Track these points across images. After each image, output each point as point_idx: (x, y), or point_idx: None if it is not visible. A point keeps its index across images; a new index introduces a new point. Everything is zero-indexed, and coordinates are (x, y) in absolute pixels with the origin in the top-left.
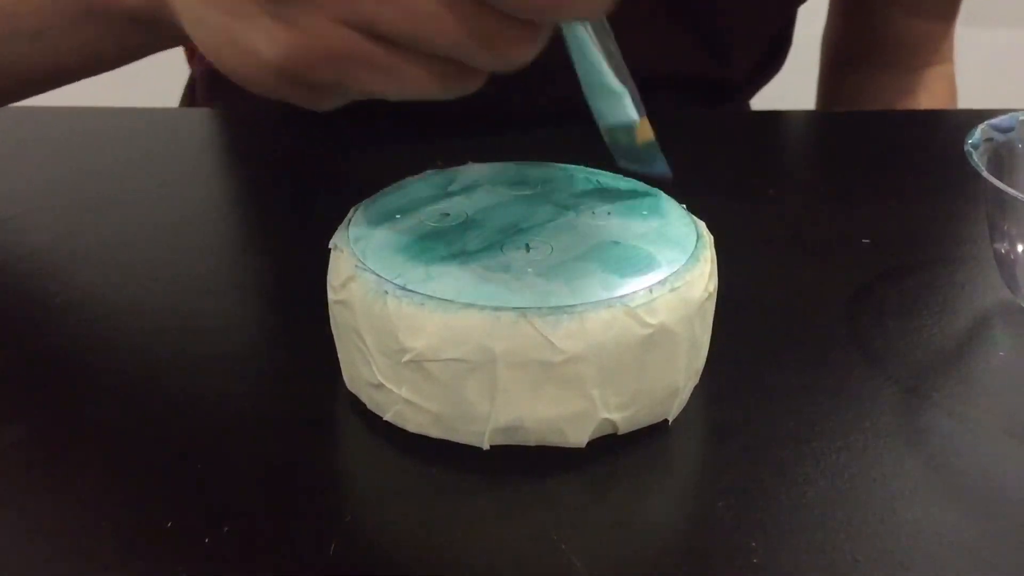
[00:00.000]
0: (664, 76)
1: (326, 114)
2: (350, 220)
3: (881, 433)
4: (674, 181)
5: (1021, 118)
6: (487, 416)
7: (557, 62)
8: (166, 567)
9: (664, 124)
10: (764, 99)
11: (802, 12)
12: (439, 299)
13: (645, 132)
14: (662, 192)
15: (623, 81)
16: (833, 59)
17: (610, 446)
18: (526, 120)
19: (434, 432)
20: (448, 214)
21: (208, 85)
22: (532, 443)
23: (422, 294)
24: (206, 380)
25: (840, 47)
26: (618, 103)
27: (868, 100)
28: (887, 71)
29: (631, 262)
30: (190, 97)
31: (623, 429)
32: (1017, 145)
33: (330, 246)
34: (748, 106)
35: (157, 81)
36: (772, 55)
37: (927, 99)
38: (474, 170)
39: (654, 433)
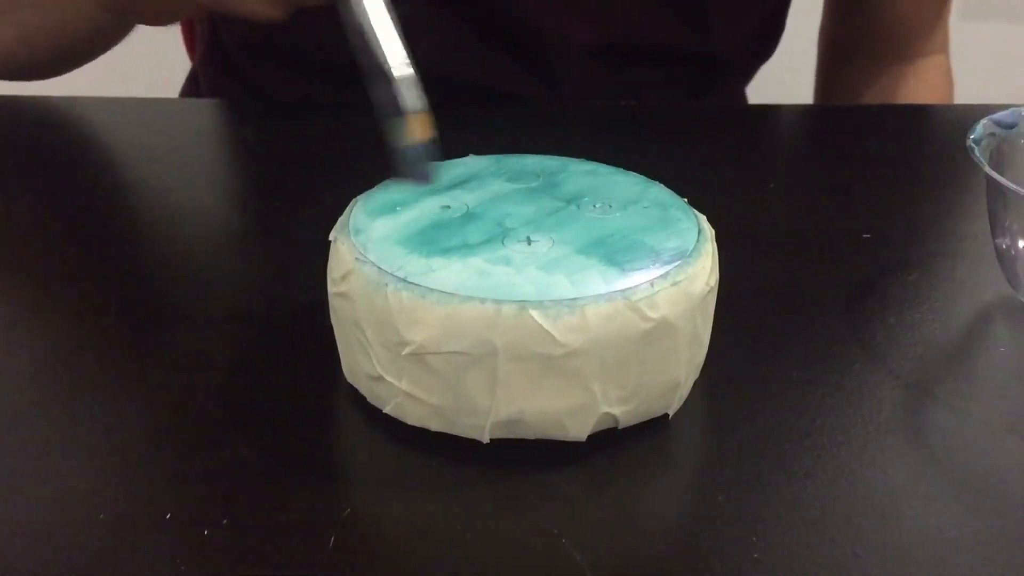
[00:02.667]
0: (645, 48)
1: (325, 105)
2: (350, 212)
3: (882, 428)
4: (676, 174)
5: (1023, 113)
6: (487, 409)
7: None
8: (165, 560)
9: (666, 117)
10: (765, 93)
11: (803, 5)
12: (440, 292)
13: (416, 129)
14: (663, 186)
15: (400, 61)
16: (829, 51)
17: (611, 440)
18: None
19: (434, 425)
20: (449, 207)
21: (211, 78)
22: (532, 436)
23: (423, 287)
24: (205, 372)
25: (835, 39)
26: (390, 87)
27: (864, 91)
28: (882, 62)
29: (632, 256)
30: (189, 88)
31: (624, 423)
32: (1019, 140)
33: (330, 238)
34: (745, 98)
35: (158, 72)
36: (763, 37)
37: (923, 89)
38: (475, 163)
39: (655, 427)
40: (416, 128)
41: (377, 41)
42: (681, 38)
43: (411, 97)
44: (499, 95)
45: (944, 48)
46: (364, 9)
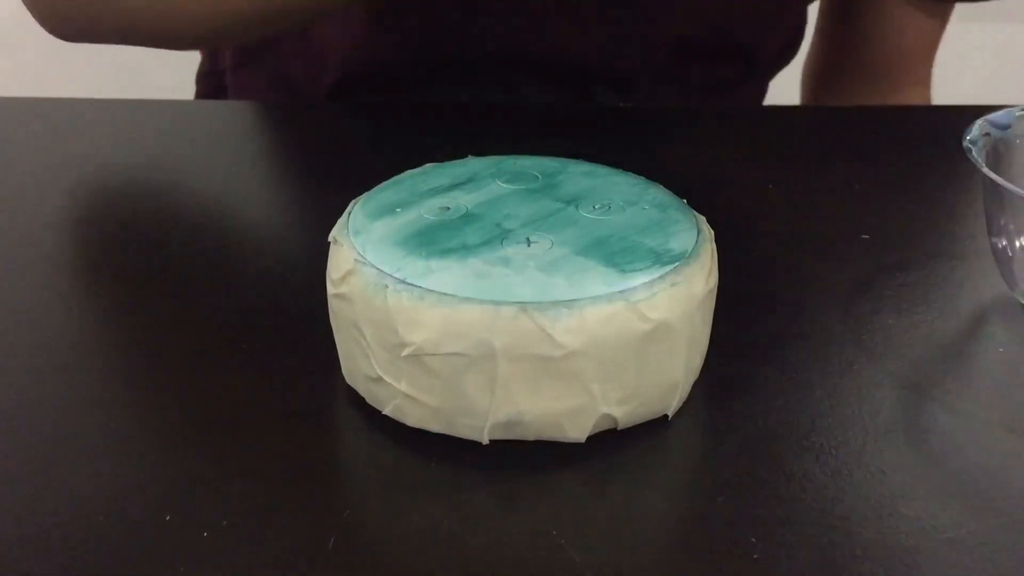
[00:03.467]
0: (702, 43)
1: (325, 105)
2: (350, 213)
3: (880, 429)
4: (675, 175)
5: (1019, 114)
6: (486, 410)
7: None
8: (165, 561)
9: (665, 118)
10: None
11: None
12: (439, 293)
13: None
14: (663, 187)
15: None
16: (814, 77)
17: (609, 441)
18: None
19: (433, 426)
20: (448, 208)
21: (234, 66)
22: (531, 438)
23: (422, 288)
24: (204, 373)
25: (819, 71)
26: None
27: None
28: (863, 93)
29: (632, 257)
30: (203, 88)
31: (623, 424)
32: (1015, 141)
33: (329, 239)
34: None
35: (165, 73)
36: (794, 39)
37: None
38: (474, 164)
39: (653, 428)
40: None
41: None
42: (739, 36)
43: None
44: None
45: (927, 81)
46: None
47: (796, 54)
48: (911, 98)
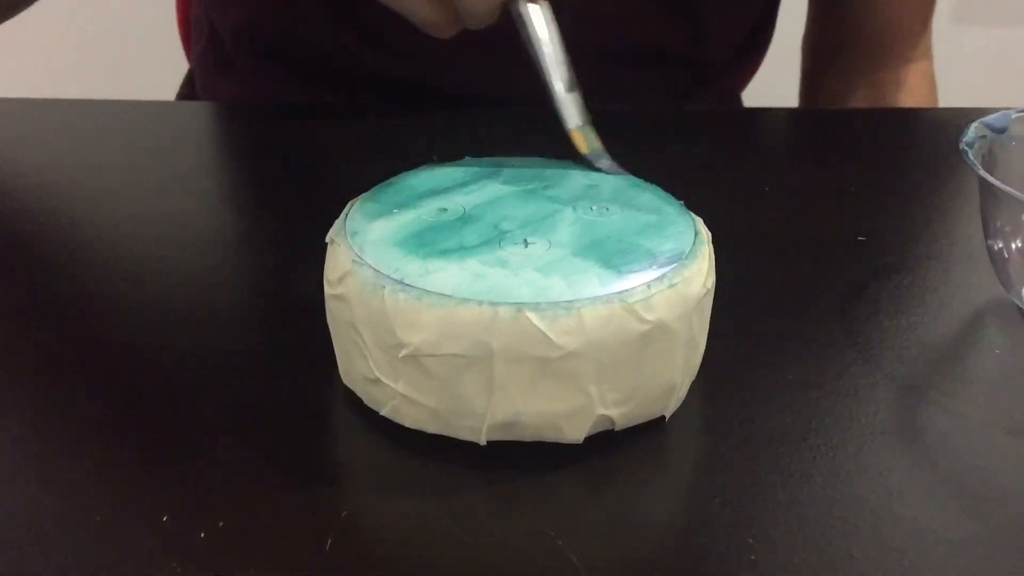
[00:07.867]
0: (635, 51)
1: (323, 106)
2: (347, 214)
3: (877, 430)
4: (672, 177)
5: (1015, 116)
6: (484, 411)
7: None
8: (161, 562)
9: (662, 120)
10: (760, 96)
11: (796, 8)
12: (437, 294)
13: (582, 142)
14: (660, 188)
15: (568, 86)
16: (813, 58)
17: (607, 442)
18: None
19: (431, 427)
20: (446, 209)
21: (206, 76)
22: (529, 439)
23: (420, 289)
24: (201, 374)
25: (819, 46)
26: (561, 107)
27: (848, 97)
28: (866, 68)
29: (629, 258)
30: (186, 90)
31: (620, 425)
32: (1010, 143)
33: (327, 240)
34: (740, 101)
35: (154, 75)
36: (753, 39)
37: (906, 95)
38: (471, 165)
39: (651, 429)
40: (581, 141)
41: (544, 61)
42: (672, 42)
43: (571, 114)
44: (489, 100)
45: (927, 54)
46: (535, 32)
47: (760, 59)
48: (908, 75)
